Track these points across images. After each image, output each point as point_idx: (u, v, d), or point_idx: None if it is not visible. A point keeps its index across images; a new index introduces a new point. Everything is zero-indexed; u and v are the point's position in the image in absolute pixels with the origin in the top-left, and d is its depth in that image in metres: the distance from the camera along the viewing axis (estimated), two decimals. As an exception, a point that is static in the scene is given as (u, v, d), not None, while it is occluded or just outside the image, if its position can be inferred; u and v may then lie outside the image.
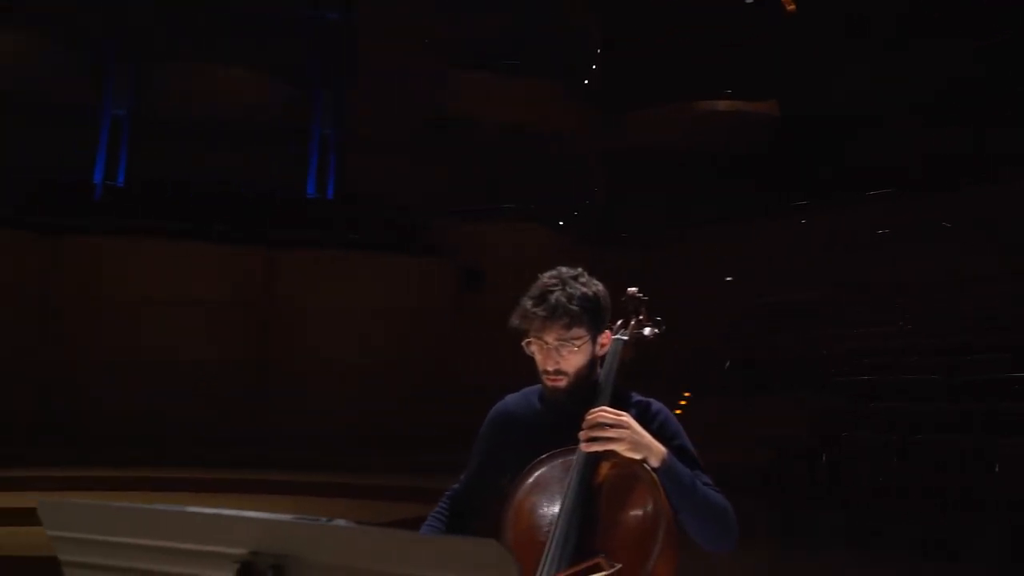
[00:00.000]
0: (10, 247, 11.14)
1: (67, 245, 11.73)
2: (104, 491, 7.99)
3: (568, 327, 1.71)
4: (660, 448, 1.63)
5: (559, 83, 15.72)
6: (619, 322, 1.89)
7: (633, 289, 1.99)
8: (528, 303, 1.76)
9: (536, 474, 1.69)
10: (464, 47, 15.46)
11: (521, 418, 1.90)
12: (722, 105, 16.85)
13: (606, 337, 1.82)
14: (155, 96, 14.35)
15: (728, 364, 11.40)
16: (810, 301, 12.07)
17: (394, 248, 12.90)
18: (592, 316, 1.75)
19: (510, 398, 1.99)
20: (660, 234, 14.64)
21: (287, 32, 14.75)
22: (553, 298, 1.72)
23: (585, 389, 1.77)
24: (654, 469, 1.59)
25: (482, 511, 1.98)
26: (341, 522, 0.89)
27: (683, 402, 10.52)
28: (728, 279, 14.02)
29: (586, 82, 16.36)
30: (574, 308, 1.71)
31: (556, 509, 1.60)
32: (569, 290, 1.74)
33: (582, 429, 1.64)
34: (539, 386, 1.92)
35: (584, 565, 1.48)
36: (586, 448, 1.61)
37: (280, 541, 0.90)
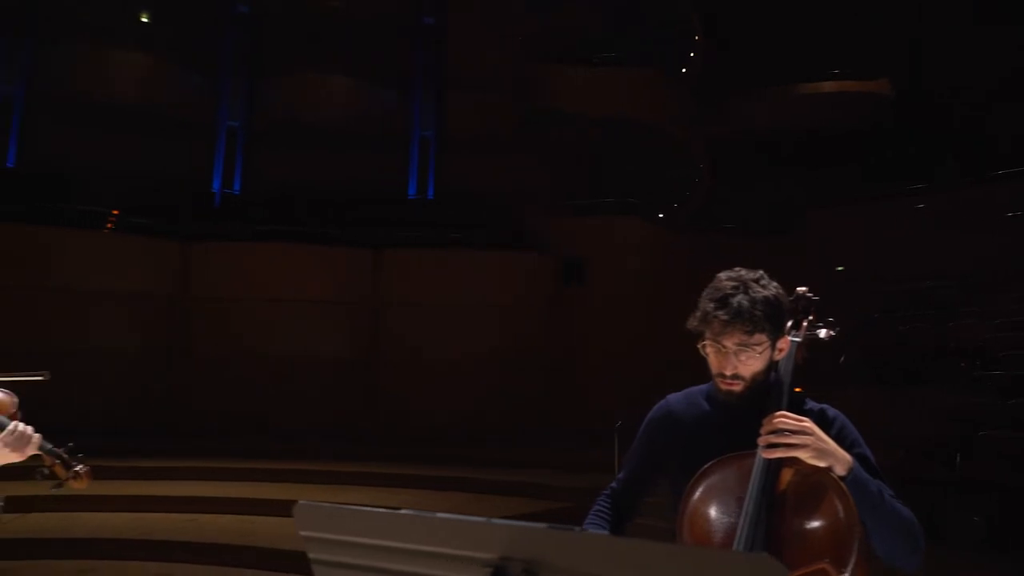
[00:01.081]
0: (149, 253, 12.09)
1: (195, 251, 12.56)
2: (251, 482, 8.52)
3: (750, 333, 1.67)
4: (846, 456, 1.57)
5: (658, 72, 15.44)
6: (790, 323, 1.83)
7: (803, 289, 1.92)
8: (709, 305, 1.71)
9: (709, 480, 1.65)
10: (559, 42, 15.43)
11: (685, 419, 1.86)
12: (829, 86, 16.10)
13: (784, 342, 1.76)
14: (266, 108, 15.10)
15: (843, 359, 10.86)
16: (936, 289, 11.32)
17: (494, 245, 13.07)
18: (773, 321, 1.70)
19: (672, 398, 1.96)
20: (768, 222, 14.12)
21: (386, 39, 15.17)
22: (735, 301, 1.67)
23: (760, 393, 1.73)
24: (840, 478, 1.54)
25: (639, 511, 1.98)
26: (594, 531, 0.90)
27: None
28: (840, 268, 13.36)
29: (685, 70, 15.98)
30: (757, 313, 1.66)
31: (733, 517, 1.56)
32: (752, 294, 1.68)
33: (760, 434, 1.60)
34: (704, 386, 1.89)
35: (810, 569, 1.43)
36: (767, 454, 1.56)
37: (531, 547, 0.92)
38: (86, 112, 13.73)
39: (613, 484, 2.00)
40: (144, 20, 15.18)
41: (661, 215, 14.53)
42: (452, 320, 12.40)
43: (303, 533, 1.09)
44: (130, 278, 11.78)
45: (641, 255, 13.16)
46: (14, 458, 2.01)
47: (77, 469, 2.11)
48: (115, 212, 13.08)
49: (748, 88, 15.58)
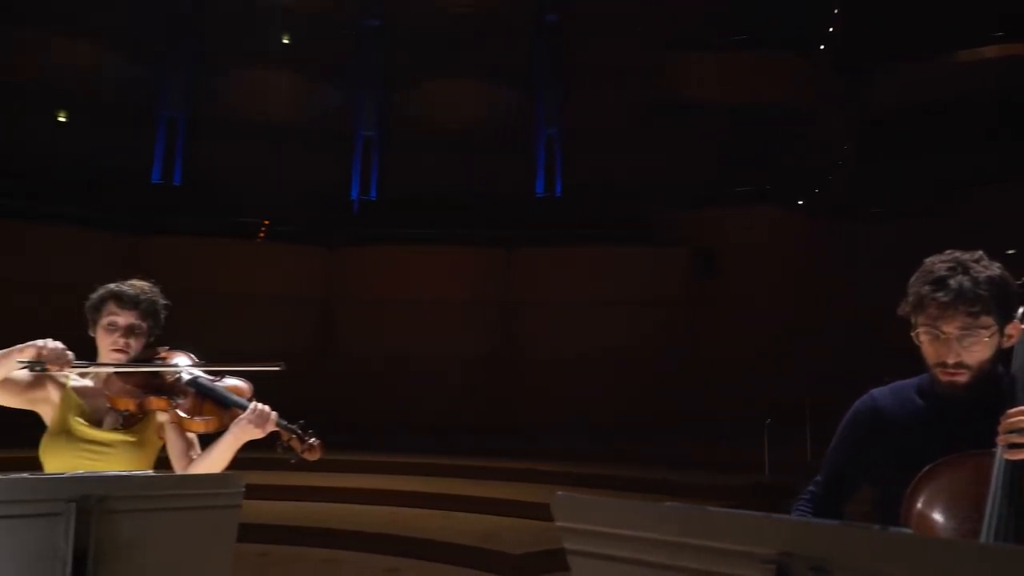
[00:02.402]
0: (298, 259, 12.93)
1: (337, 255, 13.31)
2: (404, 475, 8.92)
3: (976, 315, 1.53)
4: None
5: (792, 52, 14.67)
6: (1021, 311, 1.66)
7: None
8: (924, 288, 1.58)
9: (937, 482, 1.53)
10: (685, 29, 15.01)
11: (895, 416, 1.74)
12: (990, 51, 14.64)
13: (1014, 327, 1.59)
14: (399, 116, 15.72)
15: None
16: None
17: (624, 239, 12.93)
18: (1001, 302, 1.55)
19: (877, 393, 1.84)
20: (920, 203, 13.05)
21: (511, 39, 15.37)
22: (955, 282, 1.54)
23: (985, 385, 1.59)
24: None
25: (844, 515, 1.87)
26: (895, 530, 0.85)
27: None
28: (1010, 252, 12.12)
29: (823, 46, 15.07)
30: (982, 293, 1.53)
31: (970, 523, 1.45)
32: (974, 274, 1.55)
33: (995, 432, 1.47)
34: (914, 380, 1.76)
35: None
36: (1011, 455, 1.43)
37: (819, 544, 0.89)
38: (240, 130, 14.86)
39: (812, 487, 1.90)
40: (285, 41, 16.23)
41: (800, 201, 13.79)
42: (583, 316, 12.38)
43: (561, 524, 1.10)
44: (283, 283, 12.66)
45: (779, 244, 12.58)
46: (257, 434, 2.22)
47: (311, 442, 2.28)
48: (266, 222, 14.12)
49: (895, 60, 14.45)
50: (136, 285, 2.44)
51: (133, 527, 1.62)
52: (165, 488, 1.66)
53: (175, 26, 14.96)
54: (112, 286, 2.40)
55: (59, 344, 2.14)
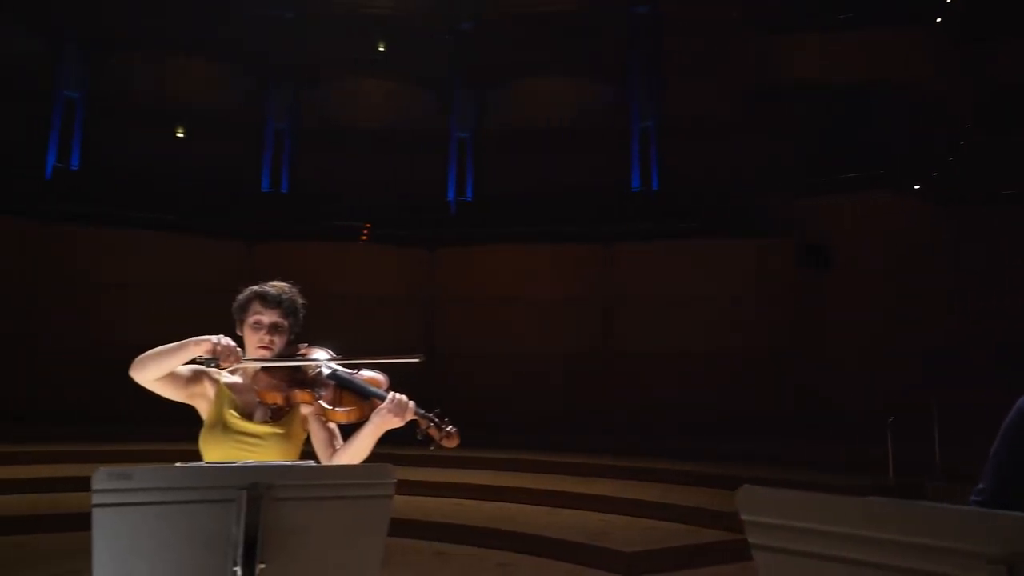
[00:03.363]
0: (400, 260, 13.30)
1: (436, 256, 13.60)
2: (514, 472, 9.02)
3: None
4: None
5: (905, 28, 13.79)
6: None
7: None
8: None
9: None
10: (783, 12, 14.40)
11: None
12: None
13: None
14: (491, 117, 15.88)
15: None
16: None
17: (725, 231, 12.56)
18: None
19: None
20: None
21: (601, 34, 15.22)
22: None
23: None
24: None
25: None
26: None
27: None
28: None
29: (940, 20, 14.09)
30: None
31: None
32: None
33: None
34: None
35: None
36: None
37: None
38: (341, 138, 15.43)
39: (975, 497, 1.77)
40: (381, 49, 16.70)
41: (916, 186, 12.95)
42: (684, 311, 12.12)
43: (746, 518, 1.07)
44: (385, 284, 13.07)
45: (894, 232, 11.87)
46: (396, 422, 2.29)
47: (448, 429, 2.33)
48: (368, 225, 14.59)
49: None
50: (277, 286, 2.57)
51: (297, 514, 1.70)
52: (326, 478, 1.73)
53: (279, 40, 15.69)
54: (256, 287, 2.54)
55: (230, 341, 2.28)
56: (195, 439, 2.42)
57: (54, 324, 12.00)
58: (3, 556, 6.12)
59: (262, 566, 1.68)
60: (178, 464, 1.66)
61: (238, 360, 2.30)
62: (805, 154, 13.44)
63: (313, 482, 1.70)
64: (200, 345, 2.25)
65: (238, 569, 1.66)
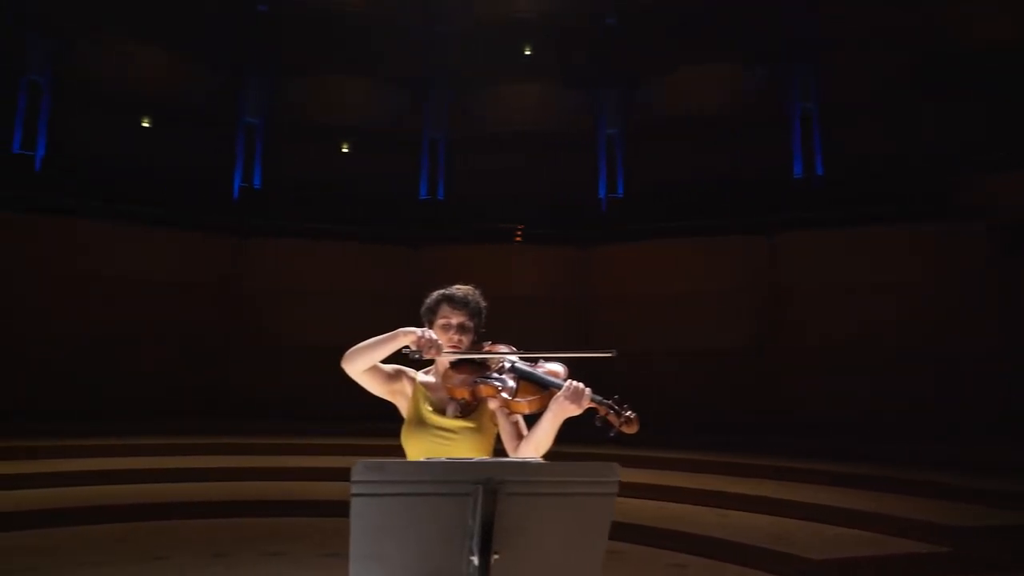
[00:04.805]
0: (556, 259, 13.48)
1: (589, 254, 13.63)
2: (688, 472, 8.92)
3: None
4: None
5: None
6: None
7: None
8: None
9: None
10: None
11: None
12: None
13: None
14: (640, 111, 15.66)
15: None
16: None
17: (903, 216, 11.58)
18: None
19: None
20: None
21: (755, 15, 14.54)
22: None
23: None
24: None
25: None
26: None
27: None
28: None
29: None
30: None
31: None
32: None
33: None
34: None
35: None
36: None
37: None
38: (493, 143, 15.87)
39: None
40: (527, 52, 16.96)
41: None
42: (858, 303, 11.35)
43: None
44: (539, 284, 13.29)
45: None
46: (574, 410, 2.34)
47: (628, 415, 2.36)
48: (520, 227, 14.90)
49: None
50: (462, 289, 2.71)
51: (527, 509, 1.78)
52: (554, 475, 1.79)
53: (431, 54, 16.40)
54: (444, 291, 2.69)
55: (433, 333, 2.43)
56: (391, 435, 2.60)
57: (248, 325, 13.30)
58: (263, 533, 6.92)
59: (496, 557, 1.78)
60: (423, 459, 1.79)
61: (439, 352, 2.44)
62: (992, 129, 12.10)
63: (542, 478, 1.77)
64: (408, 336, 2.41)
65: (474, 559, 1.77)
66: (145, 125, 14.84)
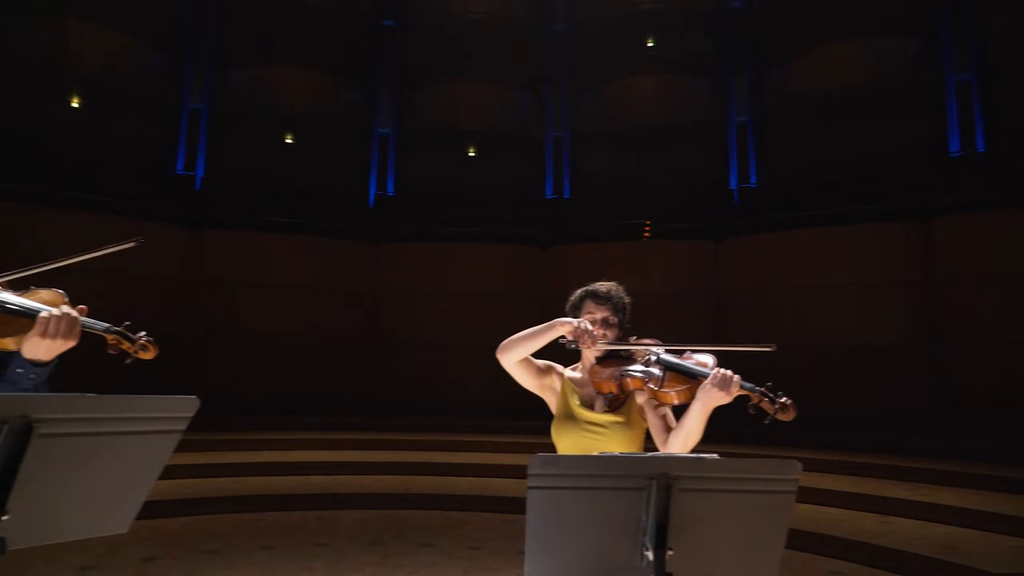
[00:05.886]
0: (687, 253, 13.18)
1: (726, 247, 13.21)
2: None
3: None
4: None
5: None
6: None
7: None
8: None
9: None
10: None
11: None
12: None
13: None
14: (773, 95, 14.96)
15: None
16: None
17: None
18: None
19: None
20: None
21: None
22: None
23: None
24: None
25: None
26: None
27: None
28: None
29: None
30: None
31: None
32: None
33: None
34: None
35: None
36: None
37: None
38: (616, 138, 15.72)
39: None
40: (650, 44, 16.65)
41: None
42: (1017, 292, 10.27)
43: None
44: (672, 279, 13.02)
45: None
46: (722, 397, 2.30)
47: (783, 402, 2.29)
48: (648, 222, 14.66)
49: None
50: (606, 285, 2.73)
51: (701, 505, 1.76)
52: (730, 471, 1.77)
53: (551, 52, 16.47)
54: (588, 287, 2.72)
55: (589, 324, 2.47)
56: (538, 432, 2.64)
57: (398, 326, 13.97)
58: (416, 525, 7.31)
59: (670, 552, 1.77)
60: (596, 454, 1.83)
61: (595, 342, 2.47)
62: None
63: (718, 475, 1.75)
64: (564, 326, 2.45)
65: (649, 553, 1.78)
66: (288, 142, 15.91)
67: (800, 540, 6.32)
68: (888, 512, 7.06)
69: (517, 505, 7.43)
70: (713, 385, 2.31)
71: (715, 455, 1.74)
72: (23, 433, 1.28)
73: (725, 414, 2.73)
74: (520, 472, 8.31)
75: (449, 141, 16.16)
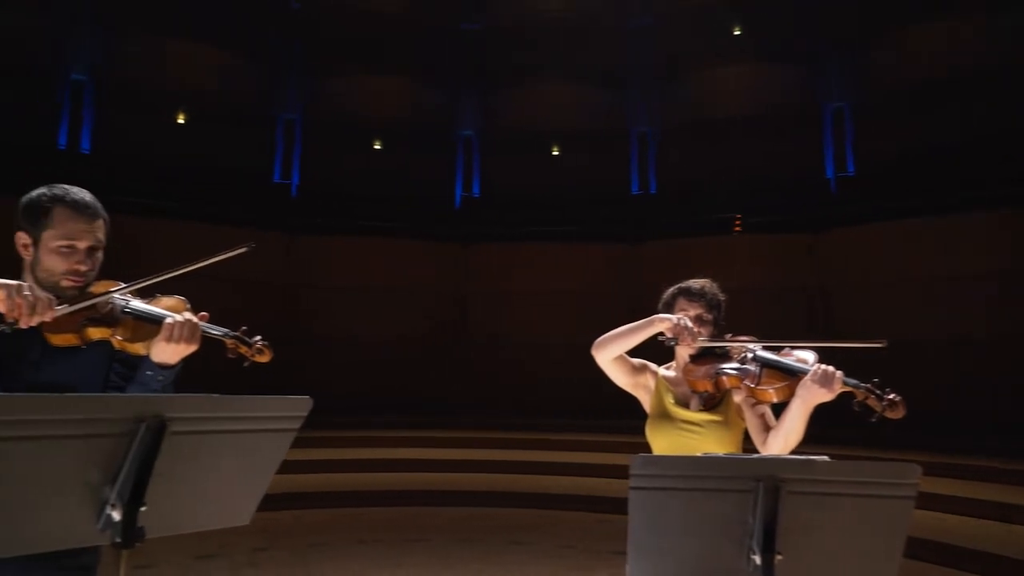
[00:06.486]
0: (780, 246, 12.73)
1: (824, 239, 12.70)
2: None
3: None
4: None
5: None
6: None
7: None
8: None
9: None
10: None
11: None
12: None
13: None
14: (872, 78, 14.22)
15: None
16: None
17: None
18: None
19: None
20: None
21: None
22: None
23: None
24: None
25: None
26: None
27: None
28: None
29: None
30: None
31: None
32: None
33: None
34: None
35: None
36: None
37: None
38: (704, 130, 15.35)
39: None
40: (736, 33, 16.14)
41: None
42: None
43: None
44: (766, 273, 12.60)
45: None
46: (824, 395, 2.20)
47: (891, 398, 2.18)
48: (739, 216, 14.25)
49: None
50: (699, 281, 2.66)
51: (813, 509, 1.70)
52: (843, 475, 1.70)
53: (633, 46, 16.23)
54: (681, 284, 2.66)
55: (689, 321, 2.42)
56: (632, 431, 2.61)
57: (486, 326, 14.17)
58: (509, 523, 7.42)
59: (779, 557, 1.72)
60: (699, 454, 1.80)
61: (695, 339, 2.41)
62: None
63: (830, 478, 1.68)
64: (663, 323, 2.41)
65: (756, 557, 1.73)
66: (377, 148, 16.37)
67: (918, 548, 5.98)
68: (1014, 520, 6.58)
69: (610, 505, 7.38)
70: (814, 381, 2.22)
71: (825, 457, 1.68)
72: (158, 431, 1.37)
73: (826, 413, 2.63)
74: (612, 471, 8.32)
75: (532, 141, 16.21)
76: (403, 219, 14.83)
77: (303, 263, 13.82)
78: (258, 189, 15.05)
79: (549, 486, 8.57)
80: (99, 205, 1.95)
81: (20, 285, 1.70)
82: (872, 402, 2.19)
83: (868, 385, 2.21)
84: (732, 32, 16.04)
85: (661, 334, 2.42)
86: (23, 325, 1.70)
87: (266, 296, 12.99)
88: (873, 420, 2.23)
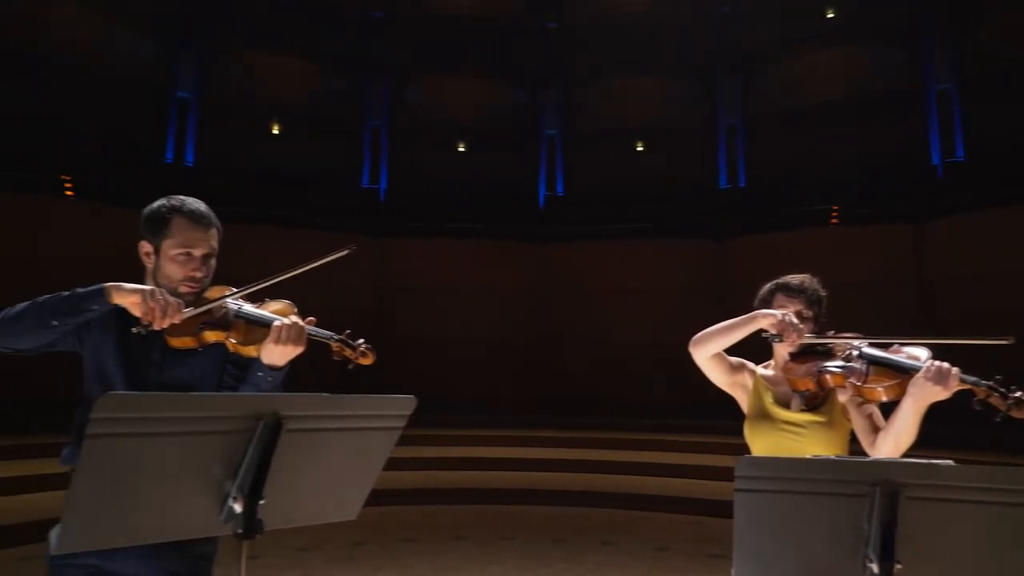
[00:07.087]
0: (880, 238, 12.13)
1: (928, 230, 12.00)
2: None
3: None
4: None
5: None
6: None
7: None
8: None
9: None
10: None
11: None
12: None
13: None
14: (979, 59, 13.30)
15: None
16: None
17: None
18: None
19: None
20: None
21: None
22: None
23: None
24: None
25: None
26: None
27: None
28: None
29: None
30: None
31: None
32: None
33: None
34: None
35: None
36: None
37: None
38: (793, 118, 14.78)
39: None
40: (830, 16, 15.44)
41: None
42: None
43: None
44: (863, 267, 12.01)
45: None
46: (939, 392, 2.06)
47: (1018, 396, 2.02)
48: (835, 208, 13.63)
49: None
50: (798, 276, 2.54)
51: (936, 516, 1.60)
52: (970, 479, 1.59)
53: (718, 35, 15.80)
54: (779, 280, 2.54)
55: (794, 317, 2.32)
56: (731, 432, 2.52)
57: (575, 325, 14.15)
58: (599, 523, 7.42)
59: (899, 566, 1.62)
60: (808, 456, 1.73)
61: (800, 336, 2.31)
62: None
63: (955, 483, 1.58)
64: (766, 318, 2.31)
65: (873, 565, 1.64)
66: (461, 149, 16.60)
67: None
68: None
69: (705, 506, 7.21)
70: (927, 379, 2.09)
71: (950, 461, 1.58)
72: (274, 429, 1.43)
73: (942, 413, 2.47)
74: (707, 472, 8.14)
75: (615, 137, 16.05)
76: (487, 220, 14.98)
77: (393, 266, 14.19)
78: (347, 195, 15.56)
79: (641, 486, 8.47)
80: (212, 214, 2.06)
81: (153, 290, 1.82)
82: (995, 400, 2.04)
83: (990, 383, 2.07)
84: (825, 15, 15.38)
85: (763, 330, 2.34)
86: (156, 327, 1.81)
87: (355, 297, 13.41)
88: (997, 420, 2.08)
